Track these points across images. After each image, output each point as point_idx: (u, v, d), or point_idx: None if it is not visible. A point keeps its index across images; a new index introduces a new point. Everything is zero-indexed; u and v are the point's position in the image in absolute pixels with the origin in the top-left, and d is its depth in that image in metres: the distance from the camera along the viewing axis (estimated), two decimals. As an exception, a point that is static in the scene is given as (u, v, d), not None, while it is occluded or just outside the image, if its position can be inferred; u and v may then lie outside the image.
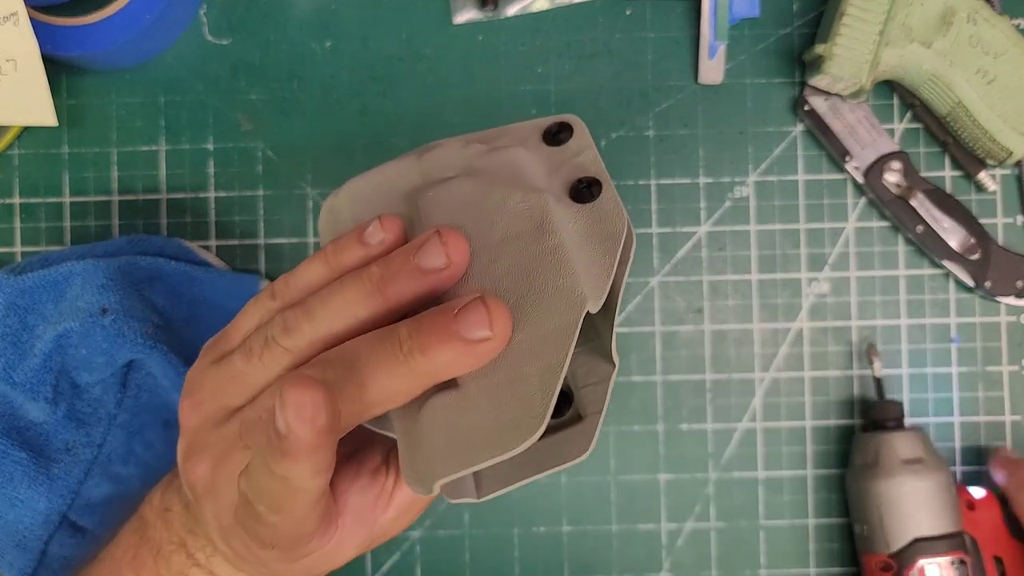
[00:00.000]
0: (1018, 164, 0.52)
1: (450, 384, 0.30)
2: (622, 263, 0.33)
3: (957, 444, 0.52)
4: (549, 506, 0.53)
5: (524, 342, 0.29)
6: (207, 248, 0.53)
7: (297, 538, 0.31)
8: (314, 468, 0.28)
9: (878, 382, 0.50)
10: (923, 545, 0.47)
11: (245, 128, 0.53)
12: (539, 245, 0.31)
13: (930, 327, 0.53)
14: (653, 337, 0.53)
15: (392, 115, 0.53)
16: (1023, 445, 0.52)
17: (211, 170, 0.53)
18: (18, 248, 0.53)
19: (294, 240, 0.53)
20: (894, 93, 0.53)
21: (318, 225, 0.34)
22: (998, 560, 0.48)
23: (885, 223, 0.53)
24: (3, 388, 0.47)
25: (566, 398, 0.35)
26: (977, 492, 0.49)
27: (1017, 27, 0.51)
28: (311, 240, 0.53)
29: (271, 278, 0.52)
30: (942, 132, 0.52)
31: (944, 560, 0.47)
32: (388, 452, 0.36)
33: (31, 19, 0.47)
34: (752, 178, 0.53)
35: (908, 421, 0.52)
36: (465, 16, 0.53)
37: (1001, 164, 0.51)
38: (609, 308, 0.33)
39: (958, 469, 0.52)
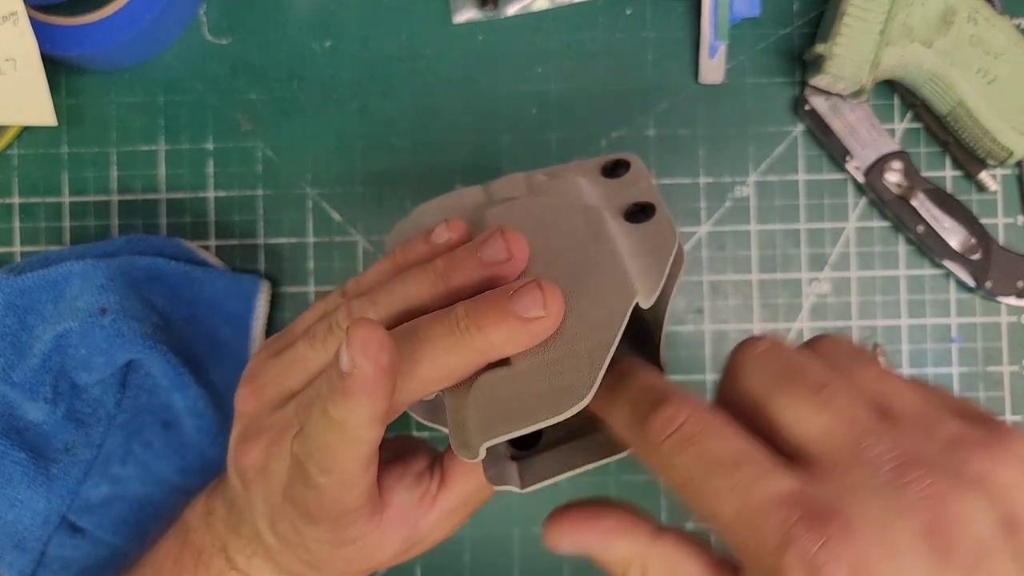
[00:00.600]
0: (1019, 164, 0.52)
1: (502, 363, 0.31)
2: (671, 277, 0.34)
3: (958, 444, 0.52)
4: (549, 506, 0.52)
5: (575, 326, 0.30)
6: (207, 248, 0.52)
7: (343, 511, 0.32)
8: (371, 414, 0.28)
9: (879, 382, 0.50)
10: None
11: (245, 128, 0.53)
12: (594, 247, 0.33)
13: (931, 327, 0.53)
14: (653, 337, 0.53)
15: (392, 115, 0.53)
16: (1024, 445, 0.52)
17: (210, 170, 0.53)
18: (17, 248, 0.53)
19: (294, 240, 0.53)
20: (895, 93, 0.53)
21: (385, 246, 0.37)
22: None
23: (886, 223, 0.53)
24: (2, 388, 0.47)
25: None
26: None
27: (1018, 27, 0.51)
28: (311, 240, 0.53)
29: (271, 278, 0.52)
30: (943, 132, 0.52)
31: None
32: (433, 459, 0.37)
33: (30, 19, 0.47)
34: (752, 178, 0.53)
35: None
36: (465, 16, 0.53)
37: (1002, 164, 0.51)
38: (658, 316, 0.34)
39: (959, 469, 0.52)
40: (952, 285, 0.53)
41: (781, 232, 0.53)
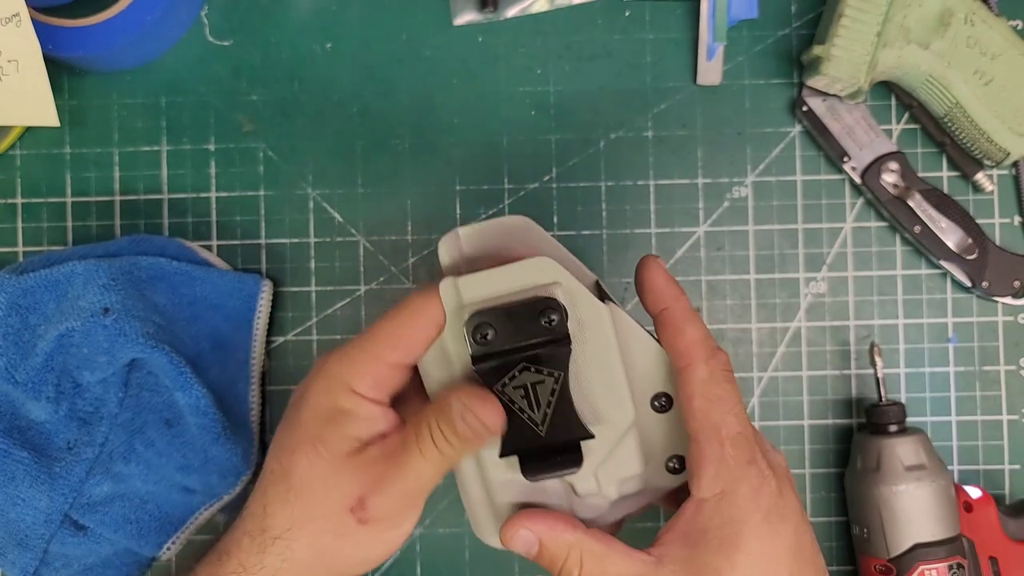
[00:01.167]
0: (1015, 164, 0.53)
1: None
2: None
3: (954, 443, 0.53)
4: (548, 505, 0.53)
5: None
6: (208, 248, 0.53)
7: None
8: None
9: (879, 382, 0.50)
10: (923, 551, 0.47)
11: (246, 129, 0.53)
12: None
13: (928, 327, 0.53)
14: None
15: (392, 116, 0.53)
16: (1020, 444, 0.53)
17: (212, 170, 0.53)
18: (20, 248, 0.53)
19: (295, 240, 0.53)
20: (892, 94, 0.53)
21: (440, 244, 0.40)
22: (993, 560, 0.49)
23: (883, 223, 0.53)
24: (5, 387, 0.47)
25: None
26: (974, 492, 0.50)
27: (1014, 28, 0.52)
28: (312, 240, 0.53)
29: (272, 278, 0.53)
30: (940, 133, 0.52)
31: (943, 566, 0.47)
32: None
33: (33, 20, 0.47)
34: (750, 178, 0.53)
35: (906, 421, 0.52)
36: (465, 17, 0.53)
37: (998, 165, 0.51)
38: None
39: (955, 468, 0.53)
40: (949, 285, 0.53)
41: (779, 232, 0.53)
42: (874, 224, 0.53)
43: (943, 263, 0.52)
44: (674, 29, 0.53)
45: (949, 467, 0.52)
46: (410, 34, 0.53)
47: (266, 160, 0.53)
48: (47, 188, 0.53)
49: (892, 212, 0.52)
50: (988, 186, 0.52)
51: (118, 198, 0.53)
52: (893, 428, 0.49)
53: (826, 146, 0.52)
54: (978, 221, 0.52)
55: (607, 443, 0.39)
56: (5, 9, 0.46)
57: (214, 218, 0.53)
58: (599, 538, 0.37)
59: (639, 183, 0.53)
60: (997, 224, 0.53)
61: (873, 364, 0.50)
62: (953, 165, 0.53)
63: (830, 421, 0.53)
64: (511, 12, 0.53)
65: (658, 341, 0.39)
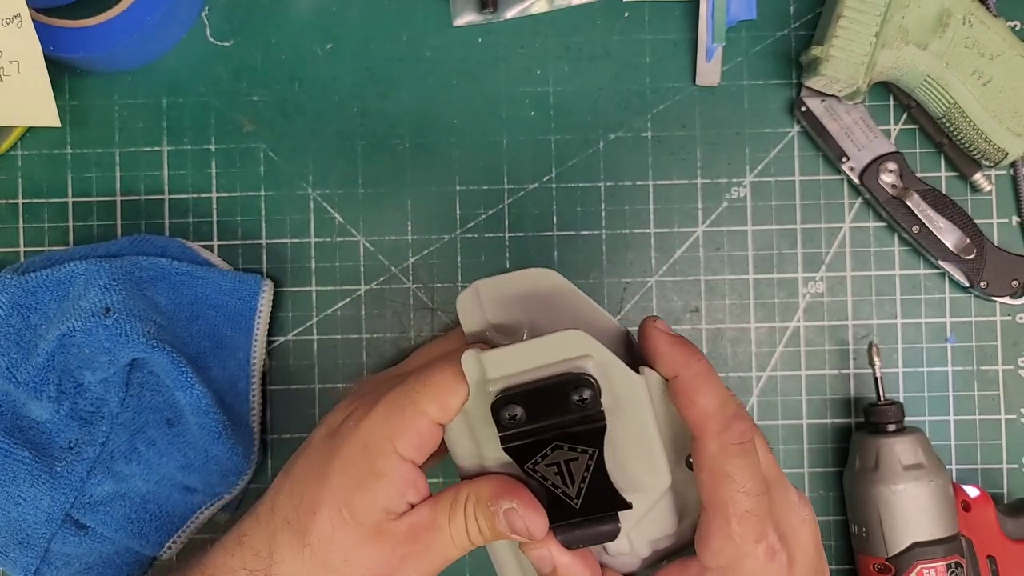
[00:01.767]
0: (1013, 165, 0.53)
1: None
2: None
3: (952, 443, 0.53)
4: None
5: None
6: (209, 248, 0.53)
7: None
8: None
9: (878, 382, 0.50)
10: (921, 550, 0.47)
11: (247, 129, 0.54)
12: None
13: (926, 326, 0.53)
14: (651, 336, 0.53)
15: (392, 116, 0.53)
16: (1018, 444, 0.53)
17: (213, 171, 0.53)
18: (22, 248, 0.54)
19: (296, 240, 0.53)
20: (890, 94, 0.53)
21: (459, 303, 0.39)
22: (991, 559, 0.49)
23: (881, 223, 0.53)
24: (7, 387, 0.48)
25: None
26: (972, 491, 0.50)
27: (1013, 29, 0.52)
28: (312, 240, 0.53)
29: (273, 278, 0.53)
30: (938, 133, 0.52)
31: (941, 565, 0.47)
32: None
33: (34, 21, 0.47)
34: (749, 179, 0.53)
35: (905, 420, 0.52)
36: (465, 18, 0.53)
37: (996, 165, 0.52)
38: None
39: (953, 468, 0.53)
40: (947, 285, 0.53)
41: (777, 232, 0.53)
42: (872, 224, 0.53)
43: (941, 263, 0.52)
44: (673, 30, 0.53)
45: (947, 466, 0.52)
46: (410, 35, 0.54)
47: (267, 160, 0.53)
48: (48, 188, 0.54)
49: (890, 212, 0.52)
50: (986, 186, 0.53)
51: (119, 198, 0.53)
52: (891, 427, 0.49)
53: (824, 146, 0.52)
54: (976, 221, 0.52)
55: (642, 509, 0.38)
56: (6, 10, 0.47)
57: (215, 218, 0.53)
58: None
59: (638, 183, 0.53)
60: (995, 224, 0.53)
61: (871, 363, 0.50)
62: (951, 165, 0.53)
63: (828, 420, 0.53)
64: (511, 13, 0.53)
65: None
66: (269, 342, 0.53)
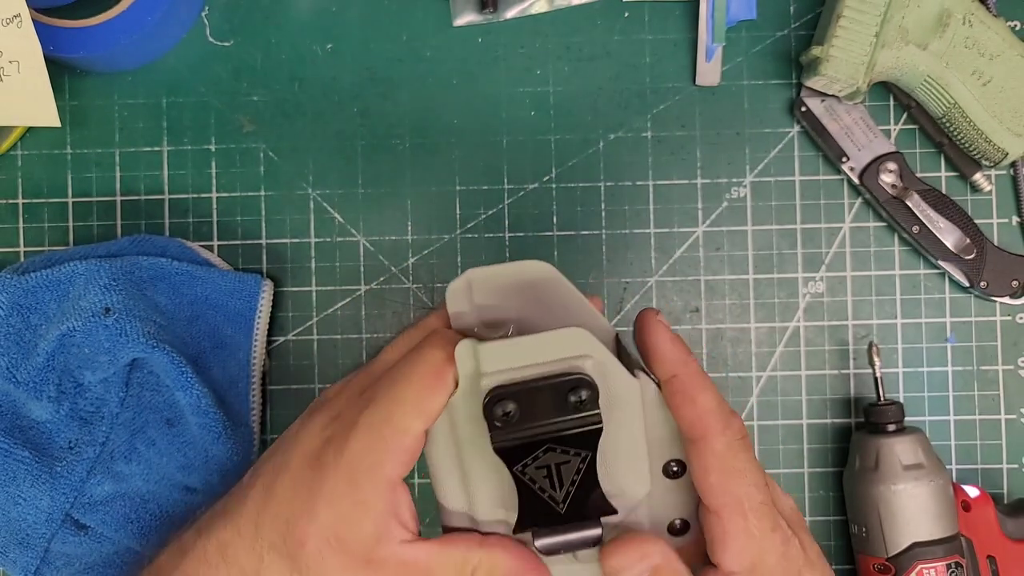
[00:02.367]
0: (1013, 165, 0.53)
1: None
2: None
3: (952, 443, 0.53)
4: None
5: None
6: (209, 248, 0.53)
7: None
8: None
9: (878, 382, 0.50)
10: (921, 550, 0.47)
11: (247, 129, 0.54)
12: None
13: (926, 326, 0.53)
14: (651, 336, 0.53)
15: (392, 116, 0.53)
16: (1018, 444, 0.53)
17: (213, 171, 0.53)
18: (22, 248, 0.54)
19: (296, 240, 0.53)
20: (890, 94, 0.53)
21: (448, 292, 0.37)
22: (991, 559, 0.49)
23: (881, 223, 0.53)
24: (7, 387, 0.48)
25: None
26: (972, 491, 0.50)
27: (1013, 29, 0.52)
28: (312, 240, 0.53)
29: (273, 278, 0.53)
30: (938, 133, 0.52)
31: (941, 565, 0.47)
32: None
33: (34, 21, 0.47)
34: (749, 179, 0.53)
35: (904, 420, 0.52)
36: (465, 18, 0.53)
37: (996, 165, 0.52)
38: None
39: (953, 468, 0.53)
40: (947, 285, 0.53)
41: (777, 232, 0.53)
42: (872, 224, 0.53)
43: (941, 263, 0.52)
44: (673, 30, 0.53)
45: (947, 466, 0.52)
46: (410, 35, 0.54)
47: (267, 160, 0.53)
48: (48, 188, 0.54)
49: (890, 212, 0.52)
50: (986, 186, 0.53)
51: (119, 198, 0.53)
52: (891, 427, 0.49)
53: (824, 146, 0.52)
54: (976, 221, 0.52)
55: (620, 516, 0.37)
56: (6, 10, 0.47)
57: (215, 218, 0.53)
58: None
59: (638, 183, 0.53)
60: (995, 224, 0.53)
61: (871, 363, 0.50)
62: (951, 165, 0.53)
63: (828, 420, 0.53)
64: (511, 13, 0.53)
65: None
66: (269, 342, 0.53)
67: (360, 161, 0.53)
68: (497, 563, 0.35)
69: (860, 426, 0.52)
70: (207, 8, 0.53)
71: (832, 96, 0.52)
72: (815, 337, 0.53)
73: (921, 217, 0.51)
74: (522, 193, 0.53)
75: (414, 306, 0.53)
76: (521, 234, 0.53)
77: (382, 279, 0.53)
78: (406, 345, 0.38)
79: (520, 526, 0.35)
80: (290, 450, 0.37)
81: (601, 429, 0.34)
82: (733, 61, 0.53)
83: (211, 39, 0.54)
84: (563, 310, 0.37)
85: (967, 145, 0.51)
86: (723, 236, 0.53)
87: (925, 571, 0.47)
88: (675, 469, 0.37)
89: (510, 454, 0.34)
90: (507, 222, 0.53)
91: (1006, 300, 0.52)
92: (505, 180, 0.53)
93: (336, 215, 0.53)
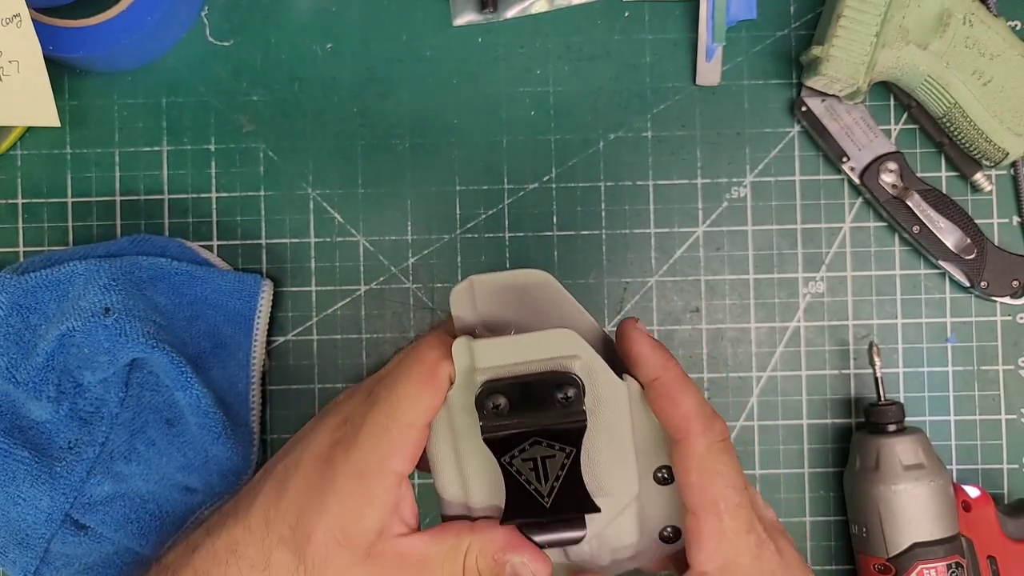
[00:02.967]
0: (1014, 165, 0.53)
1: None
2: None
3: (953, 443, 0.53)
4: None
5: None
6: (209, 248, 0.53)
7: None
8: None
9: (878, 382, 0.50)
10: (922, 551, 0.47)
11: (247, 129, 0.54)
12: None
13: (926, 326, 0.53)
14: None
15: (392, 116, 0.53)
16: (1019, 444, 0.53)
17: (213, 171, 0.53)
18: (21, 248, 0.54)
19: (296, 240, 0.53)
20: (890, 94, 0.53)
21: (452, 295, 0.39)
22: (992, 559, 0.49)
23: (881, 223, 0.53)
24: (6, 387, 0.48)
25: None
26: (972, 491, 0.50)
27: (1013, 29, 0.52)
28: (312, 240, 0.53)
29: (273, 277, 0.53)
30: (938, 133, 0.52)
31: (941, 565, 0.47)
32: None
33: (33, 20, 0.47)
34: (749, 179, 0.53)
35: (905, 421, 0.52)
36: (465, 18, 0.53)
37: (997, 165, 0.52)
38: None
39: (953, 468, 0.53)
40: (947, 285, 0.53)
41: (777, 232, 0.53)
42: (873, 224, 0.53)
43: (942, 263, 0.52)
44: (673, 30, 0.53)
45: (948, 466, 0.52)
46: (410, 35, 0.53)
47: (266, 160, 0.53)
48: (48, 188, 0.54)
49: (891, 212, 0.52)
50: (986, 186, 0.53)
51: (119, 198, 0.53)
52: (892, 427, 0.49)
53: (825, 146, 0.52)
54: (977, 221, 0.52)
55: (608, 516, 0.38)
56: (6, 10, 0.47)
57: (215, 218, 0.53)
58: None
59: (638, 183, 0.53)
60: (995, 224, 0.53)
61: (872, 364, 0.50)
62: (952, 165, 0.53)
63: (829, 420, 0.53)
64: (511, 13, 0.53)
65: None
66: (269, 342, 0.53)
67: (360, 161, 0.53)
68: (487, 544, 0.37)
69: (860, 426, 0.52)
70: (207, 8, 0.53)
71: (832, 96, 0.52)
72: (815, 337, 0.53)
73: (921, 217, 0.51)
74: (522, 193, 0.53)
75: (414, 306, 0.53)
76: (521, 234, 0.53)
77: (382, 279, 0.53)
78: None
79: (507, 517, 0.37)
80: (302, 451, 0.39)
81: (585, 426, 0.36)
82: (733, 61, 0.53)
83: (211, 39, 0.54)
84: (559, 316, 0.39)
85: (967, 145, 0.51)
86: (723, 236, 0.53)
87: (925, 571, 0.47)
88: (665, 476, 0.39)
89: (498, 444, 0.36)
90: (507, 222, 0.53)
91: (1006, 300, 0.52)
92: (505, 180, 0.53)
93: (336, 215, 0.53)
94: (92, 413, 0.48)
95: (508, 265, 0.53)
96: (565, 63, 0.53)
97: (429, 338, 0.38)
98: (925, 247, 0.52)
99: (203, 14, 0.53)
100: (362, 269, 0.53)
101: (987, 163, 0.52)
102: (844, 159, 0.52)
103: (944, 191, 0.52)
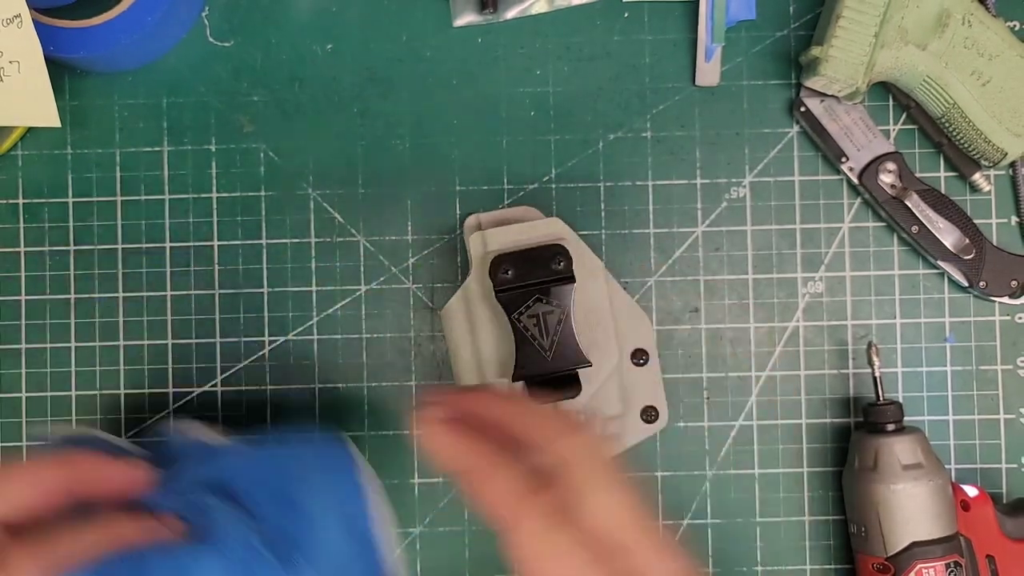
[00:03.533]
0: (1012, 165, 0.53)
1: None
2: None
3: (951, 442, 0.53)
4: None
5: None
6: (210, 248, 0.53)
7: None
8: None
9: (877, 381, 0.50)
10: (920, 550, 0.47)
11: (247, 130, 0.54)
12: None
13: (925, 326, 0.53)
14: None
15: (392, 117, 0.54)
16: (1017, 443, 0.53)
17: (213, 171, 0.54)
18: (22, 248, 0.54)
19: (296, 240, 0.53)
20: (889, 94, 0.53)
21: (469, 240, 0.49)
22: (990, 559, 0.49)
23: (880, 223, 0.53)
24: None
25: None
26: (971, 491, 0.50)
27: (1012, 29, 0.52)
28: (312, 240, 0.53)
29: (273, 278, 0.53)
30: (937, 133, 0.52)
31: (940, 564, 0.47)
32: None
33: (34, 21, 0.47)
34: (748, 179, 0.54)
35: (903, 420, 0.52)
36: (465, 19, 0.53)
37: (996, 165, 0.52)
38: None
39: (952, 467, 0.53)
40: (946, 285, 0.53)
41: (776, 232, 0.54)
42: (872, 224, 0.53)
43: (940, 263, 0.52)
44: (673, 30, 0.53)
45: (946, 466, 0.52)
46: (410, 35, 0.54)
47: (267, 161, 0.54)
48: (49, 189, 0.54)
49: (890, 212, 0.52)
50: (985, 186, 0.53)
51: (120, 199, 0.54)
52: (890, 427, 0.49)
53: (824, 146, 0.52)
54: (975, 221, 0.52)
55: (595, 382, 0.48)
56: (6, 10, 0.47)
57: (215, 218, 0.53)
58: None
59: (638, 183, 0.53)
60: (994, 224, 0.53)
61: (871, 363, 0.50)
62: (950, 165, 0.53)
63: (828, 420, 0.53)
64: (511, 13, 0.53)
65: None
66: (269, 342, 0.53)
67: (360, 161, 0.54)
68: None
69: (859, 426, 0.52)
70: (207, 8, 0.54)
71: (831, 96, 0.52)
72: (814, 337, 0.53)
73: (920, 217, 0.52)
74: (522, 193, 0.53)
75: (414, 306, 0.53)
76: (521, 234, 0.53)
77: (382, 279, 0.54)
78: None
79: (516, 374, 0.47)
80: None
81: (574, 280, 0.47)
82: (733, 61, 0.53)
83: (211, 39, 0.54)
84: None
85: (966, 145, 0.51)
86: (722, 236, 0.53)
87: (924, 571, 0.47)
88: (641, 361, 0.50)
89: (509, 303, 0.47)
90: (507, 222, 0.53)
91: (1005, 300, 0.53)
92: (505, 180, 0.53)
93: (336, 215, 0.54)
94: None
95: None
96: (565, 63, 0.53)
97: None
98: (924, 247, 0.52)
99: (203, 14, 0.54)
100: (362, 269, 0.54)
101: (986, 163, 0.52)
102: (843, 159, 0.52)
103: (943, 191, 0.53)
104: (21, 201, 0.54)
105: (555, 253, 0.47)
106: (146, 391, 0.53)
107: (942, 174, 0.53)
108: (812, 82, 0.51)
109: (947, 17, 0.49)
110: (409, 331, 0.53)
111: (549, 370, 0.47)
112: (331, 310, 0.53)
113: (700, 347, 0.53)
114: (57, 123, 0.49)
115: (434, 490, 0.53)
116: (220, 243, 0.53)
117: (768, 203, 0.53)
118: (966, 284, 0.52)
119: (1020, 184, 0.53)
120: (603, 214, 0.53)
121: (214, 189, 0.53)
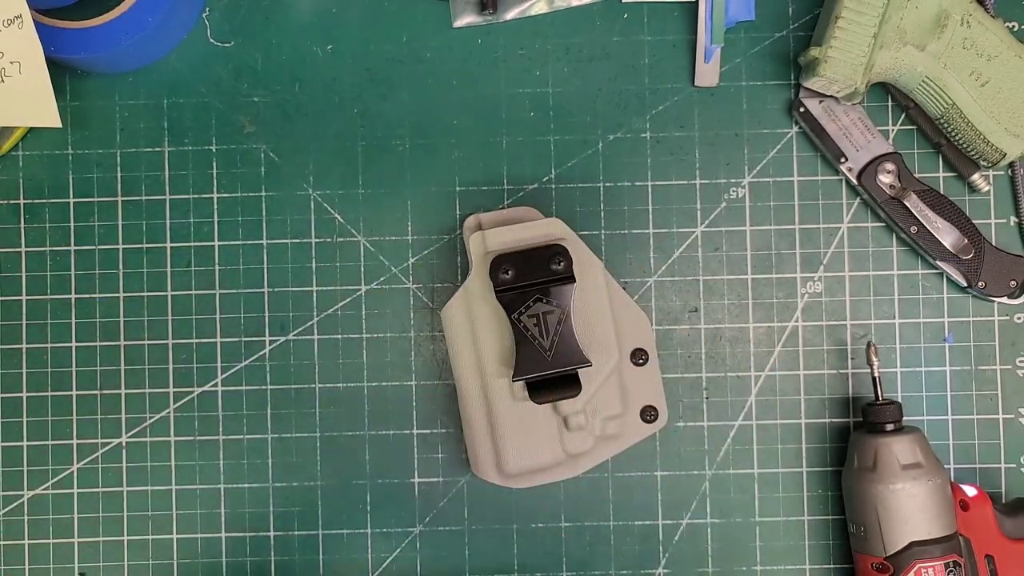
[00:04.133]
0: (1011, 165, 0.53)
1: None
2: None
3: (951, 442, 0.53)
4: (547, 502, 0.53)
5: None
6: (210, 247, 0.53)
7: None
8: None
9: (876, 381, 0.50)
10: (919, 549, 0.47)
11: (247, 130, 0.54)
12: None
13: (924, 326, 0.53)
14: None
15: (392, 117, 0.54)
16: (1016, 443, 0.53)
17: (214, 171, 0.54)
18: (23, 248, 0.54)
19: (296, 240, 0.54)
20: (888, 95, 0.53)
21: (469, 240, 0.49)
22: (989, 559, 0.49)
23: (879, 223, 0.54)
24: None
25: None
26: (970, 490, 0.50)
27: (1011, 29, 0.52)
28: (313, 240, 0.54)
29: (272, 278, 0.53)
30: (936, 134, 0.53)
31: (939, 564, 0.47)
32: None
33: (35, 22, 0.47)
34: (747, 179, 0.54)
35: (903, 420, 0.52)
36: (465, 20, 0.53)
37: (994, 165, 0.52)
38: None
39: (951, 467, 0.53)
40: (945, 285, 0.53)
41: (775, 232, 0.54)
42: (871, 224, 0.54)
43: (939, 263, 0.52)
44: (672, 31, 0.54)
45: (945, 465, 0.52)
46: (410, 36, 0.54)
47: (267, 161, 0.54)
48: (50, 189, 0.54)
49: (888, 212, 0.52)
50: (984, 187, 0.53)
51: (120, 199, 0.54)
52: (889, 427, 0.49)
53: (823, 147, 0.52)
54: (974, 221, 0.52)
55: (595, 381, 0.48)
56: (7, 11, 0.47)
57: (216, 219, 0.54)
58: None
59: (637, 184, 0.54)
60: (993, 224, 0.53)
61: (870, 363, 0.50)
62: (949, 166, 0.53)
63: (827, 420, 0.53)
64: (510, 14, 0.53)
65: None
66: (270, 342, 0.53)
67: (360, 161, 0.54)
68: None
69: (858, 425, 0.52)
70: (208, 9, 0.54)
71: (830, 97, 0.52)
72: (813, 337, 0.53)
73: (919, 217, 0.52)
74: (522, 193, 0.54)
75: (414, 306, 0.54)
76: (521, 234, 0.53)
77: (382, 279, 0.54)
78: None
79: (517, 374, 0.47)
80: None
81: (574, 280, 0.47)
82: (732, 62, 0.54)
83: (212, 40, 0.54)
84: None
85: (965, 145, 0.52)
86: (722, 236, 0.54)
87: (923, 570, 0.47)
88: (640, 360, 0.50)
89: (509, 303, 0.47)
90: (507, 222, 0.53)
91: (1004, 300, 0.53)
92: (505, 180, 0.54)
93: (336, 215, 0.54)
94: None
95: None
96: (564, 64, 0.54)
97: None
98: (923, 247, 0.52)
99: (204, 15, 0.54)
100: (362, 269, 0.54)
101: (985, 163, 0.52)
102: (842, 160, 0.52)
103: (942, 191, 0.53)
104: (22, 201, 0.54)
105: (555, 253, 0.47)
106: (146, 391, 0.53)
107: (941, 174, 0.54)
108: (811, 83, 0.51)
109: (946, 18, 0.49)
110: (409, 331, 0.53)
111: (549, 370, 0.47)
112: (331, 310, 0.54)
113: (699, 347, 0.53)
114: (58, 123, 0.49)
115: (434, 490, 0.53)
116: (221, 243, 0.54)
117: (767, 203, 0.54)
118: (965, 284, 0.52)
119: (1019, 184, 0.53)
120: (603, 214, 0.54)
121: (215, 189, 0.54)
